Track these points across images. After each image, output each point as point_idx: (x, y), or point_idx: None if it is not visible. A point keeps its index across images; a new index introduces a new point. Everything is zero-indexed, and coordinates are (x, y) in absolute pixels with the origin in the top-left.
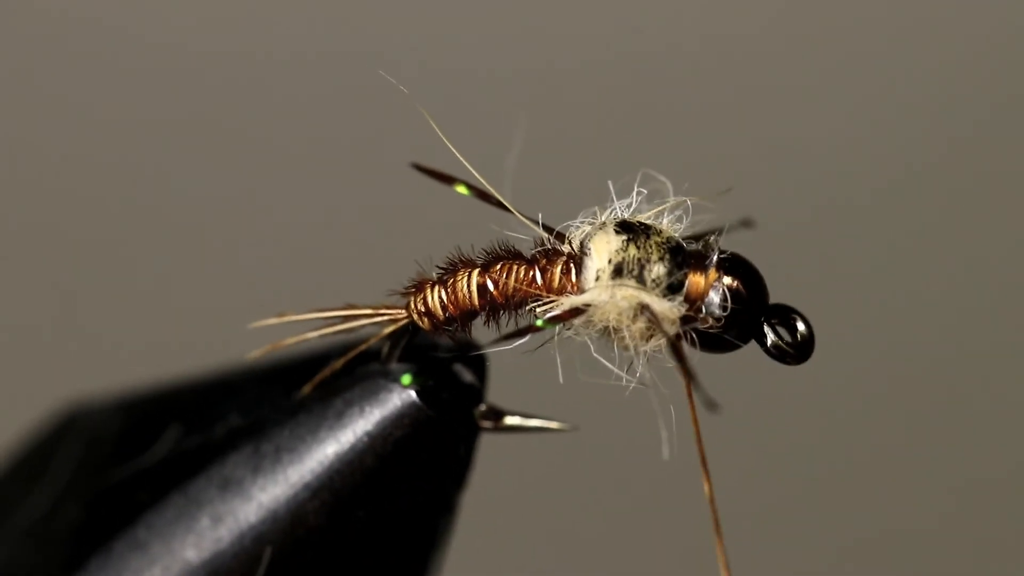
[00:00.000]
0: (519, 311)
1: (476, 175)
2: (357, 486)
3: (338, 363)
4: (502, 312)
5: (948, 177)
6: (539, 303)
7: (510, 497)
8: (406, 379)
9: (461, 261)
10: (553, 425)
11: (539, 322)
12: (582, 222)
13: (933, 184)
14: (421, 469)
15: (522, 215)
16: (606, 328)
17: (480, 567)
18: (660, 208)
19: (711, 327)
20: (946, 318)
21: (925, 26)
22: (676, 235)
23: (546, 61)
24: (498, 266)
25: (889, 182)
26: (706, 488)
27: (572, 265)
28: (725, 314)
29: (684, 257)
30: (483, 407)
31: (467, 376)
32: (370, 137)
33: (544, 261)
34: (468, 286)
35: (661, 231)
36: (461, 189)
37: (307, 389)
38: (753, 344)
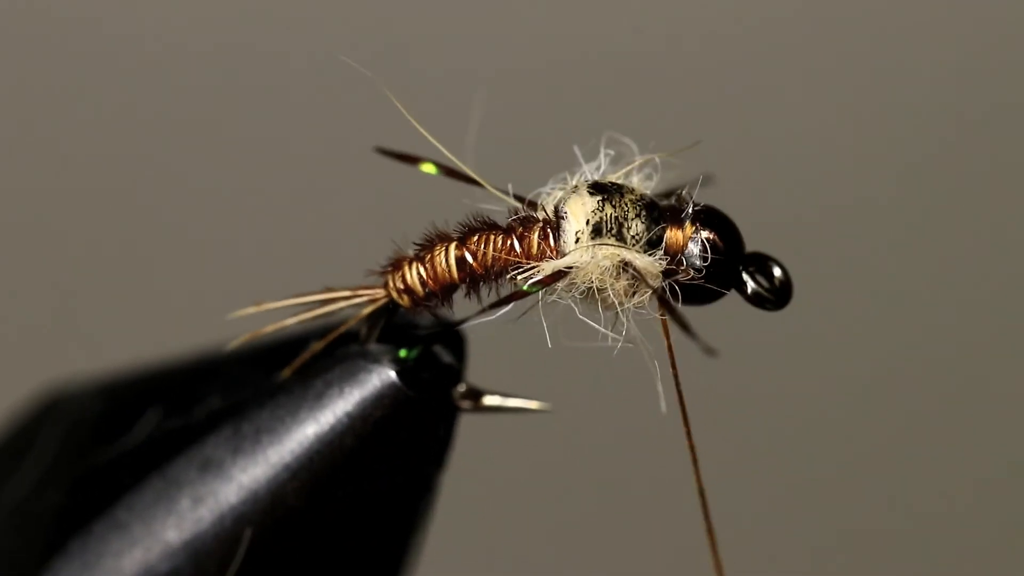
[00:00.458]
0: (499, 281)
1: (444, 151)
2: (337, 466)
3: (318, 345)
4: (482, 283)
5: (935, 160)
6: (519, 271)
7: (490, 477)
8: (403, 353)
9: (437, 236)
10: (532, 405)
11: (524, 287)
12: (553, 188)
13: (914, 165)
14: (401, 449)
15: (492, 187)
16: (589, 289)
17: (460, 547)
18: (629, 168)
19: (692, 279)
20: (942, 314)
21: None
22: (648, 192)
23: (499, 34)
24: (475, 238)
25: (862, 150)
26: (688, 445)
27: (549, 230)
28: (705, 264)
29: (660, 213)
30: (462, 387)
31: (446, 357)
32: (338, 123)
33: (521, 229)
34: (446, 260)
35: (633, 189)
36: (428, 168)
37: (287, 372)
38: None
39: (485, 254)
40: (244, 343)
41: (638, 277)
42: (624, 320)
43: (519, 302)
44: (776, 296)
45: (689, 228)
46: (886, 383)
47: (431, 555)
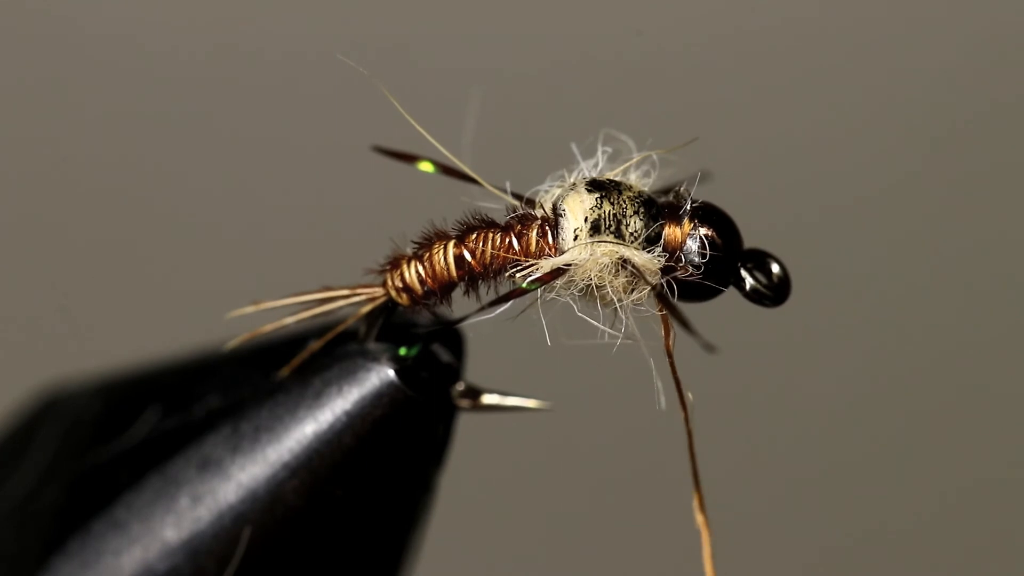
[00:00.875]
0: (498, 279)
1: (442, 149)
2: (335, 465)
3: (317, 344)
4: (481, 281)
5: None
6: (518, 268)
7: (489, 475)
8: (402, 352)
9: (436, 234)
10: (531, 404)
11: (523, 285)
12: (551, 186)
13: (911, 162)
14: (399, 448)
15: (490, 185)
16: (588, 286)
17: (460, 547)
18: (627, 165)
19: (691, 276)
20: (942, 312)
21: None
22: (646, 189)
23: (496, 32)
24: (473, 236)
25: (852, 142)
26: (685, 421)
27: (547, 228)
28: (704, 261)
29: (658, 209)
30: (461, 386)
31: (445, 355)
32: (336, 122)
33: (519, 227)
34: (445, 258)
35: (631, 186)
36: (426, 166)
37: (286, 371)
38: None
39: (484, 252)
40: (243, 342)
41: (637, 274)
42: (623, 317)
43: (518, 300)
44: (774, 293)
45: (687, 225)
46: (885, 380)
47: (430, 554)
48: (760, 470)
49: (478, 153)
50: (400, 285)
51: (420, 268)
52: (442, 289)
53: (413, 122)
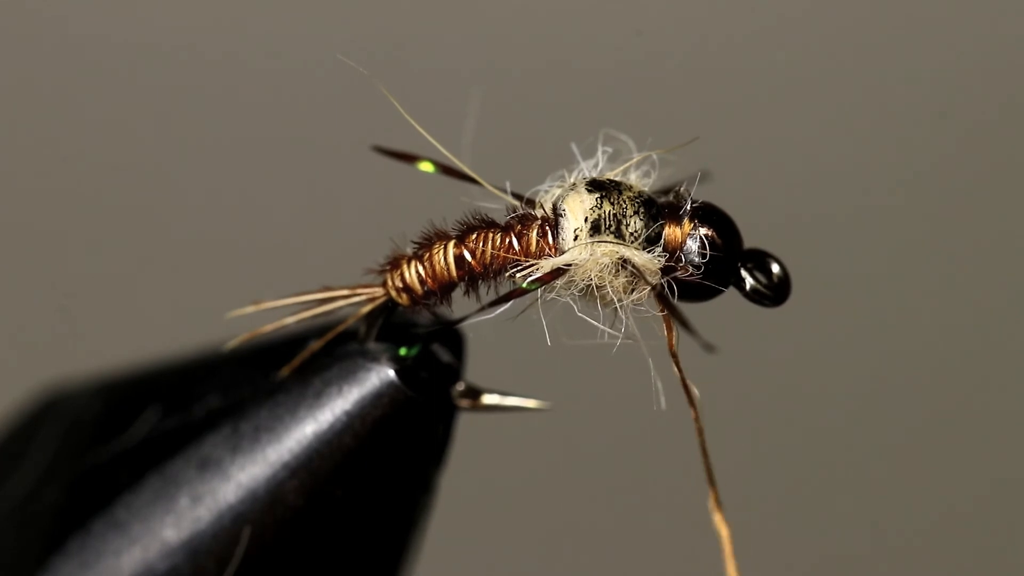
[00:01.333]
0: (498, 279)
1: (442, 149)
2: (336, 465)
3: (317, 344)
4: (481, 282)
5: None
6: (518, 269)
7: (489, 476)
8: (402, 352)
9: (436, 234)
10: (531, 404)
11: (523, 284)
12: (551, 186)
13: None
14: (399, 448)
15: (490, 185)
16: (588, 286)
17: (459, 547)
18: (627, 165)
19: (691, 276)
20: (942, 312)
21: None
22: (646, 190)
23: (496, 32)
24: (473, 236)
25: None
26: (694, 417)
27: (547, 228)
28: (704, 261)
29: (658, 209)
30: (461, 386)
31: (445, 355)
32: (335, 122)
33: (519, 227)
34: (445, 258)
35: (631, 186)
36: (426, 166)
37: (286, 371)
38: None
39: (484, 252)
40: (243, 342)
41: (637, 274)
42: (623, 317)
43: (518, 300)
44: (774, 293)
45: (687, 225)
46: (885, 380)
47: (430, 554)
48: (760, 470)
49: (478, 153)
50: (400, 285)
51: (420, 268)
52: (442, 289)
53: (413, 122)
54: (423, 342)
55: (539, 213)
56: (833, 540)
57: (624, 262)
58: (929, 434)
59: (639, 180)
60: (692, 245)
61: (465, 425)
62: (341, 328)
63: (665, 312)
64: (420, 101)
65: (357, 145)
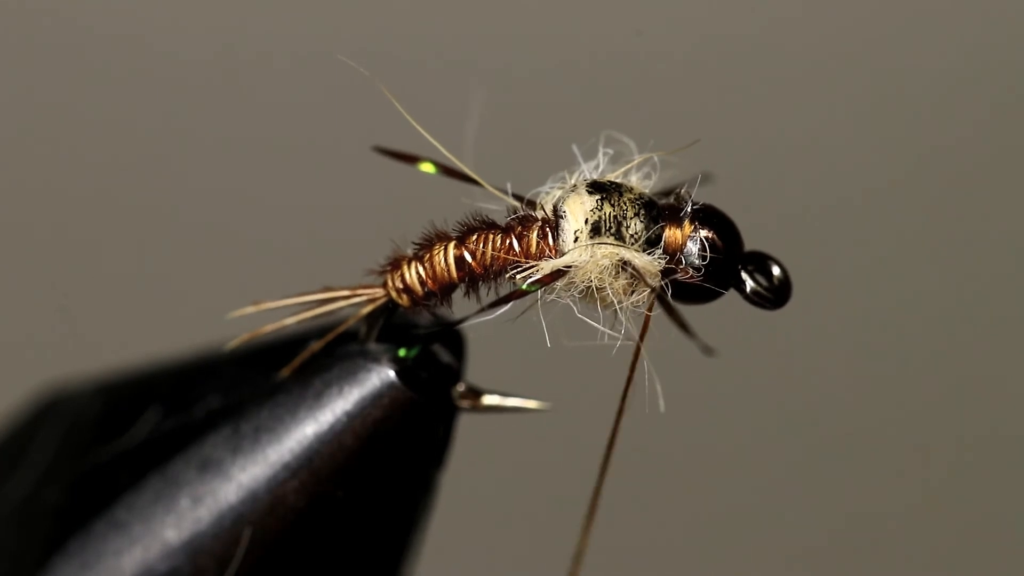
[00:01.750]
0: (498, 280)
1: (443, 150)
2: (336, 465)
3: (317, 345)
4: (481, 283)
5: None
6: (518, 270)
7: (489, 476)
8: (402, 352)
9: (436, 235)
10: (532, 404)
11: (523, 286)
12: (551, 187)
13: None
14: (400, 449)
15: (491, 186)
16: (588, 288)
17: (460, 547)
18: (628, 166)
19: (691, 278)
20: (942, 312)
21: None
22: (646, 191)
23: (497, 33)
24: (474, 237)
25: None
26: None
27: (548, 229)
28: (704, 263)
29: (658, 211)
30: (461, 387)
31: (445, 356)
32: (336, 122)
33: (520, 228)
34: (445, 259)
35: (632, 188)
36: (426, 167)
37: (286, 371)
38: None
39: (484, 253)
40: (243, 342)
41: (637, 276)
42: (623, 319)
43: (518, 301)
44: (775, 295)
45: (688, 227)
46: (885, 381)
47: (430, 555)
48: (759, 470)
49: (479, 154)
50: (401, 286)
51: (421, 269)
52: (442, 290)
53: (414, 123)
54: (423, 343)
55: (540, 214)
56: (833, 540)
57: (624, 264)
58: (929, 434)
59: (640, 182)
60: (692, 247)
61: (465, 425)
62: (341, 329)
63: (649, 312)
64: (421, 102)
65: (358, 145)
